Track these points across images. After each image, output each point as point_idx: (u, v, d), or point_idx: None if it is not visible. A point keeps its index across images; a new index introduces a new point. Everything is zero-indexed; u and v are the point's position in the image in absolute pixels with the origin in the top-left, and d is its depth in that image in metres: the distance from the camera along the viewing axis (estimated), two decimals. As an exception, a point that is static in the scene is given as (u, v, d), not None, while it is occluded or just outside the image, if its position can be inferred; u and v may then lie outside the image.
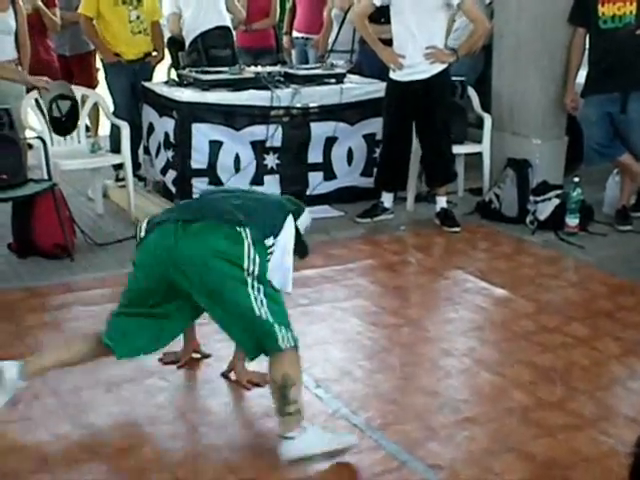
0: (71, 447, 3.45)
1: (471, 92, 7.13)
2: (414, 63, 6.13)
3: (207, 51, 7.29)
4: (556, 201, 6.32)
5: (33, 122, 6.38)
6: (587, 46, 6.45)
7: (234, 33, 7.84)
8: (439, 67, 6.14)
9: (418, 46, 6.08)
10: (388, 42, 6.33)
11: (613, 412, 3.83)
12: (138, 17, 7.03)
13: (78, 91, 6.80)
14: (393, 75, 6.29)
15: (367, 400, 3.88)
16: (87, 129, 7.52)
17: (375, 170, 6.73)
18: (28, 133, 6.30)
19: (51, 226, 5.59)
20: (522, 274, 5.52)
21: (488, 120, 6.94)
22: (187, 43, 7.45)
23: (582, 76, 6.49)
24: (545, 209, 6.33)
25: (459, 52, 6.32)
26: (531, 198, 6.44)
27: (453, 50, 6.35)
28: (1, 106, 5.81)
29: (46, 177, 5.79)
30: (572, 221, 6.18)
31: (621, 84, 6.15)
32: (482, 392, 3.99)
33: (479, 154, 6.94)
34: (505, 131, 6.95)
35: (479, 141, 6.95)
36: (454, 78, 6.85)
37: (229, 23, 7.62)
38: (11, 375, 3.49)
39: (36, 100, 6.32)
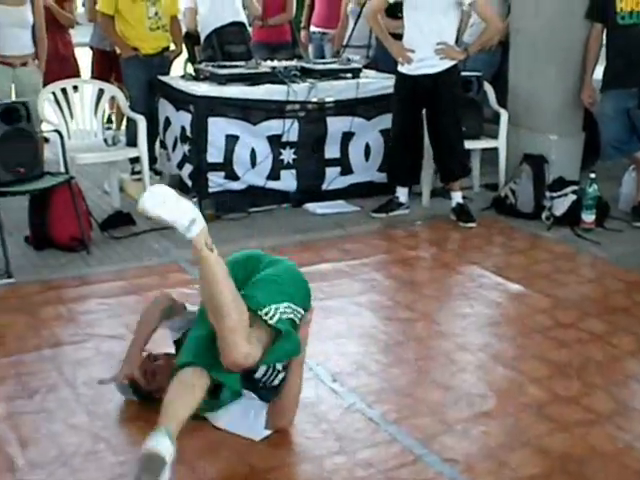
0: (87, 438, 3.47)
1: (487, 87, 7.12)
2: (423, 57, 6.12)
3: (222, 47, 7.31)
4: (572, 197, 6.31)
5: (50, 115, 6.40)
6: (604, 42, 6.43)
7: (249, 29, 7.86)
8: (448, 63, 6.12)
9: (428, 42, 6.07)
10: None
11: (629, 407, 3.82)
12: (156, 13, 6.97)
13: (95, 85, 6.86)
14: (401, 68, 6.29)
15: (382, 394, 3.88)
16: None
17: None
18: (45, 126, 6.32)
19: (68, 219, 5.61)
20: (538, 270, 5.51)
21: (504, 115, 6.93)
22: (202, 38, 7.47)
23: (598, 72, 6.48)
24: (561, 205, 6.32)
25: (470, 50, 6.34)
26: (547, 194, 6.42)
27: (465, 48, 6.35)
28: (19, 99, 5.83)
29: (63, 170, 5.81)
30: (588, 217, 6.16)
31: (639, 80, 6.13)
32: (497, 387, 3.98)
33: (495, 149, 6.94)
34: (521, 126, 6.94)
35: (495, 136, 6.94)
36: (470, 73, 6.86)
37: (244, 19, 7.64)
38: (169, 450, 3.03)
39: (53, 93, 6.35)
